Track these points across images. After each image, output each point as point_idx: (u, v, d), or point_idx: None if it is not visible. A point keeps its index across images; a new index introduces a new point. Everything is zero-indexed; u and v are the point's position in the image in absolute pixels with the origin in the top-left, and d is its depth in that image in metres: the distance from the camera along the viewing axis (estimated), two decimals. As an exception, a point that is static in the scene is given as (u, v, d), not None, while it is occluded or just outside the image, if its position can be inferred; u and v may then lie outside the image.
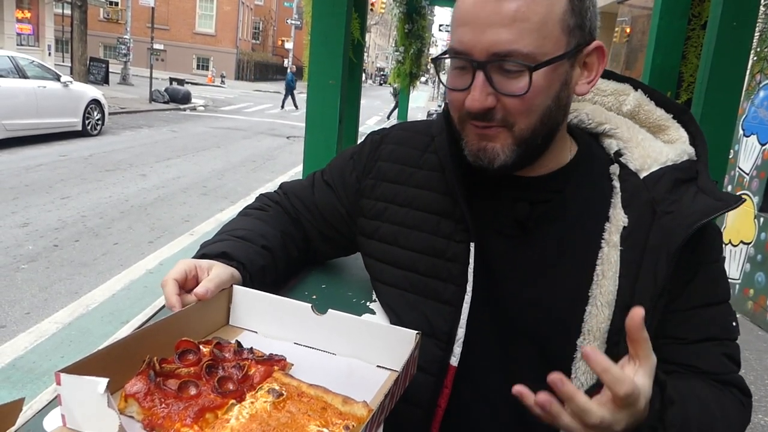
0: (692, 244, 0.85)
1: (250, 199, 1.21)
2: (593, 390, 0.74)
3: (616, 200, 0.91)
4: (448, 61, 0.90)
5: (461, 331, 0.90)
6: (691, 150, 0.95)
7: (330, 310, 0.87)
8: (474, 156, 0.88)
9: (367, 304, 1.08)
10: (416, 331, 0.80)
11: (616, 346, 0.86)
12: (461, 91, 0.85)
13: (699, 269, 0.89)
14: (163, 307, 1.00)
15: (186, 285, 0.89)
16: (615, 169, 0.95)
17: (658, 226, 0.87)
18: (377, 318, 1.03)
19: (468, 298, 0.90)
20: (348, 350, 0.85)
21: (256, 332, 0.91)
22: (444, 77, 0.92)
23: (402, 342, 0.80)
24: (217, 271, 0.91)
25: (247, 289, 0.92)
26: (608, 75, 1.04)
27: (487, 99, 0.82)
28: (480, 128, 0.86)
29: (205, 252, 0.98)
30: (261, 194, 1.21)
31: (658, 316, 0.86)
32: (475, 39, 0.80)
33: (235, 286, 0.92)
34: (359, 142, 1.14)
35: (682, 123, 0.99)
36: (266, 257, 1.02)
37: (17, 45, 18.07)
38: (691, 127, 0.98)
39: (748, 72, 2.19)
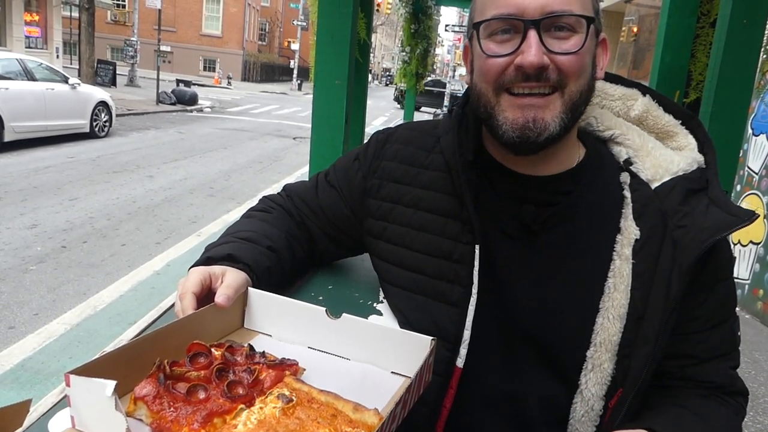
0: (704, 260, 0.84)
1: (257, 200, 1.20)
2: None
3: (627, 211, 0.90)
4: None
5: (467, 333, 0.90)
6: (700, 158, 0.94)
7: (344, 314, 0.86)
8: (520, 129, 0.84)
9: (374, 305, 1.08)
10: (431, 338, 0.79)
11: (627, 357, 0.86)
12: (504, 57, 0.83)
13: (713, 288, 0.88)
14: (170, 308, 1.00)
15: (200, 295, 0.89)
16: (626, 178, 0.94)
17: (670, 240, 0.86)
18: (384, 319, 1.02)
19: (473, 300, 0.90)
20: (362, 355, 0.84)
21: (270, 335, 0.91)
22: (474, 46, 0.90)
23: (417, 348, 0.79)
24: (232, 276, 0.91)
25: (263, 292, 0.92)
26: (616, 80, 1.03)
27: (543, 56, 0.81)
28: (527, 97, 0.84)
29: (210, 255, 0.98)
30: (264, 197, 1.20)
31: (669, 331, 0.85)
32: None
33: (251, 289, 0.92)
34: (365, 142, 1.14)
35: (690, 129, 0.98)
36: (272, 258, 1.02)
37: (26, 48, 18.18)
38: (700, 133, 0.97)
39: (758, 70, 2.17)
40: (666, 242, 0.86)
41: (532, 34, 0.81)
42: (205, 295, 0.89)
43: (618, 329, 0.86)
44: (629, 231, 0.89)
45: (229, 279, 0.90)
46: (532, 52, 0.80)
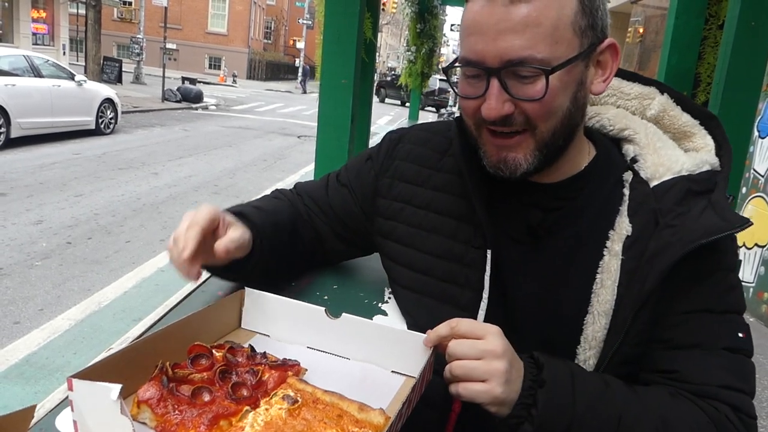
0: (704, 254, 0.82)
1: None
2: None
3: (623, 208, 0.90)
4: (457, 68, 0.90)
5: None
6: (714, 160, 0.91)
7: (344, 314, 0.86)
8: (494, 167, 0.87)
9: (379, 305, 1.08)
10: None
11: (609, 352, 0.85)
12: (475, 99, 0.83)
13: (705, 276, 0.85)
14: (177, 305, 1.00)
15: (206, 232, 0.87)
16: (628, 176, 0.93)
17: (657, 237, 0.85)
18: (389, 319, 1.02)
19: (484, 305, 0.90)
20: (362, 355, 0.85)
21: (268, 336, 0.91)
22: (455, 85, 0.91)
23: (417, 347, 0.79)
24: (236, 232, 0.90)
25: (259, 291, 0.92)
26: (633, 77, 1.01)
27: (504, 106, 0.81)
28: (499, 137, 0.84)
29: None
30: (277, 189, 1.21)
31: (639, 327, 0.83)
32: (486, 47, 0.79)
33: (247, 289, 0.92)
34: (372, 141, 1.14)
35: (709, 130, 0.95)
36: (273, 235, 1.02)
37: (33, 44, 18.26)
38: (718, 135, 0.94)
39: (765, 72, 2.16)
40: (653, 240, 0.85)
41: (494, 83, 0.80)
42: (209, 238, 0.87)
43: (603, 326, 0.85)
44: (621, 227, 0.88)
45: (232, 233, 0.89)
46: (491, 104, 0.80)
